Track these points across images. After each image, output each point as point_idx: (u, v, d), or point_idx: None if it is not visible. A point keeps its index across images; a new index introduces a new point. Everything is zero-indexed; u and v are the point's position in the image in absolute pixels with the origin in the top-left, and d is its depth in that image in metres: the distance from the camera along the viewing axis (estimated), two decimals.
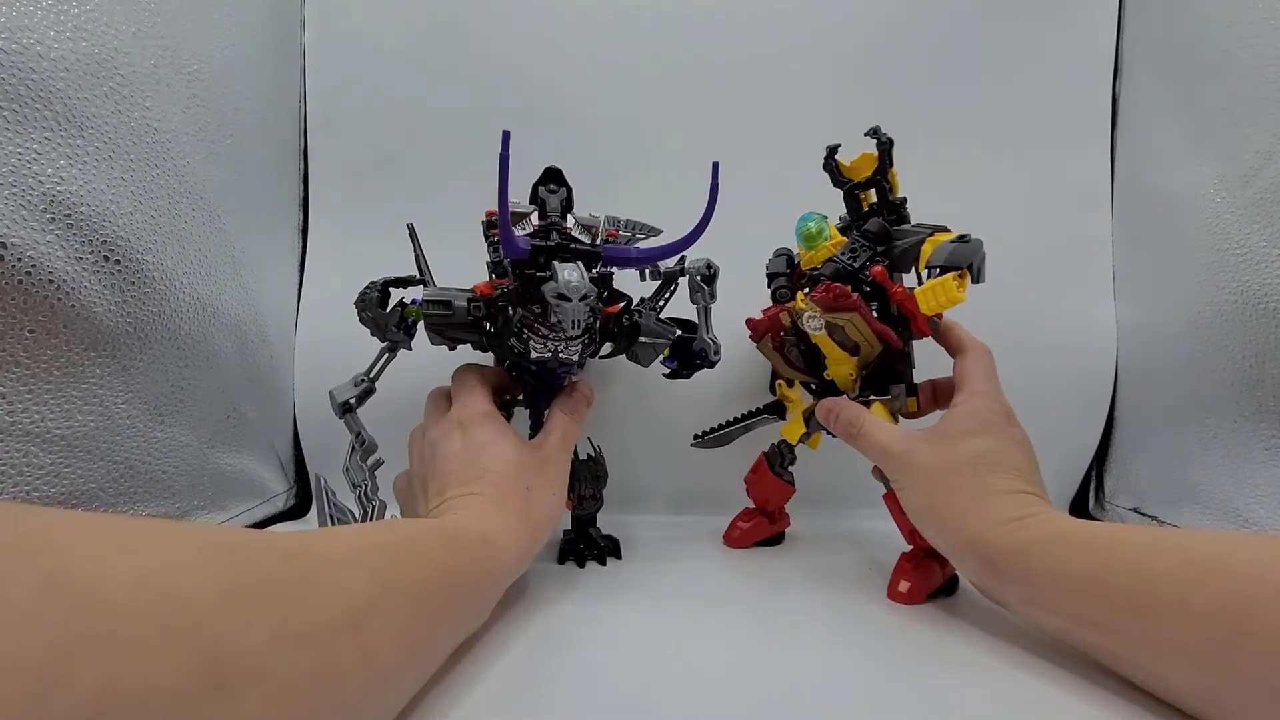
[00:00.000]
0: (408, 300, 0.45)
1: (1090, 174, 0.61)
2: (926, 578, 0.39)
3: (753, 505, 0.51)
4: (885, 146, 0.42)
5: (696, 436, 0.52)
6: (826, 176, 0.45)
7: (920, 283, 0.39)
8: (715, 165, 0.39)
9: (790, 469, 0.50)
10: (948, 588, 0.40)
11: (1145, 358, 0.57)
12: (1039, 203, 0.60)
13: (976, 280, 0.38)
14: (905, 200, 0.44)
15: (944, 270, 0.37)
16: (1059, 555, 0.30)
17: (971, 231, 0.39)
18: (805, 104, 0.60)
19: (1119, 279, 0.60)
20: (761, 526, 0.51)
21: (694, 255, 0.45)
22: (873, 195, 0.43)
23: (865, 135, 0.42)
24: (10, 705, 0.12)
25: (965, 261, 0.37)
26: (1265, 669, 0.23)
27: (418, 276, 0.45)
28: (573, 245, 0.40)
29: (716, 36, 0.61)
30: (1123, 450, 0.59)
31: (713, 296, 0.47)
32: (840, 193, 0.45)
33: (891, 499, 0.41)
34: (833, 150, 0.44)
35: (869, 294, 0.41)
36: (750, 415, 0.51)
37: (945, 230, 0.40)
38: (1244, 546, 0.26)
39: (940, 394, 0.43)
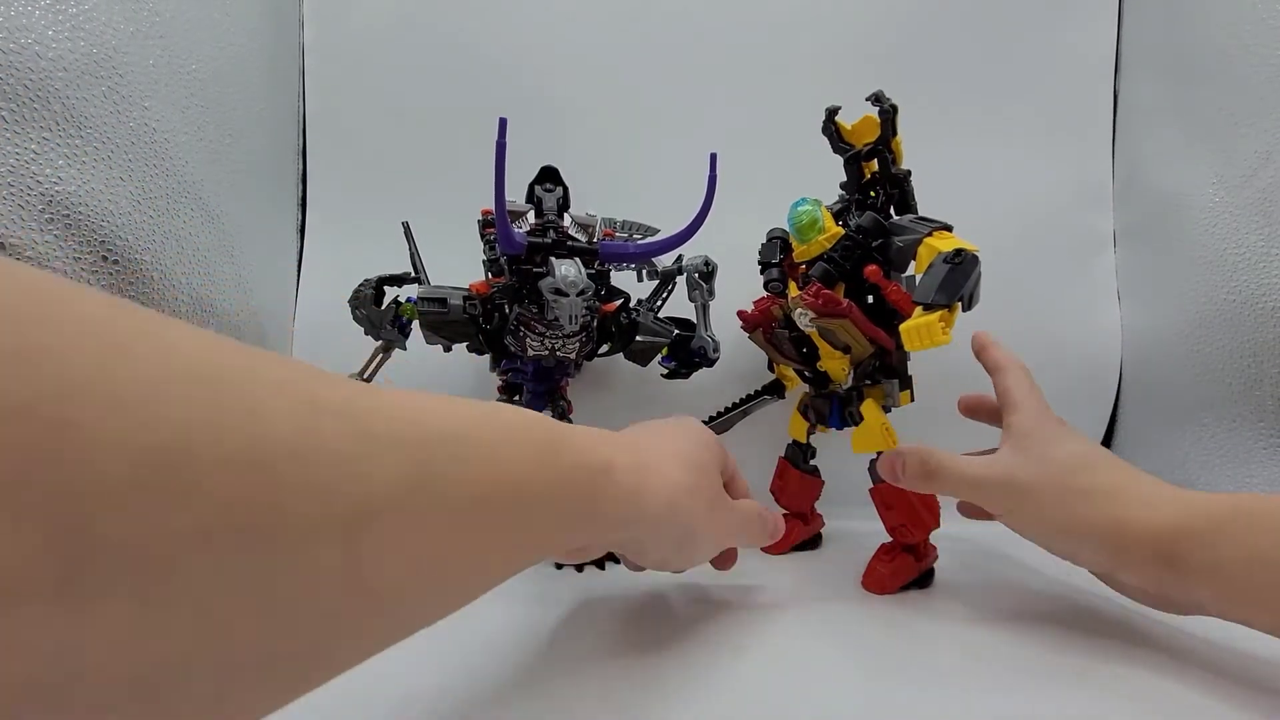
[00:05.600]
0: (403, 299, 0.45)
1: (1094, 172, 0.61)
2: (901, 569, 0.40)
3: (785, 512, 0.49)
4: (889, 114, 0.39)
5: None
6: (824, 169, 0.43)
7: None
8: (713, 157, 0.39)
9: (813, 462, 0.49)
10: (921, 581, 0.41)
11: (1145, 357, 0.57)
12: (1042, 201, 0.60)
13: (969, 307, 0.36)
14: (909, 174, 0.41)
15: (929, 307, 0.34)
16: (1245, 537, 0.27)
17: (974, 230, 0.38)
18: (803, 100, 0.59)
19: (1122, 278, 0.60)
20: (796, 529, 0.49)
21: (692, 249, 0.45)
22: (874, 165, 0.41)
23: (866, 100, 0.40)
24: None
25: (953, 298, 0.34)
26: None
27: (413, 275, 0.45)
28: (569, 243, 0.40)
29: (713, 30, 0.61)
30: (1122, 448, 0.59)
31: (711, 294, 0.47)
32: (837, 175, 0.43)
33: (878, 493, 0.41)
34: (833, 112, 0.42)
35: (863, 288, 0.40)
36: (750, 398, 0.50)
37: (945, 229, 0.38)
38: None
39: (984, 411, 0.42)
